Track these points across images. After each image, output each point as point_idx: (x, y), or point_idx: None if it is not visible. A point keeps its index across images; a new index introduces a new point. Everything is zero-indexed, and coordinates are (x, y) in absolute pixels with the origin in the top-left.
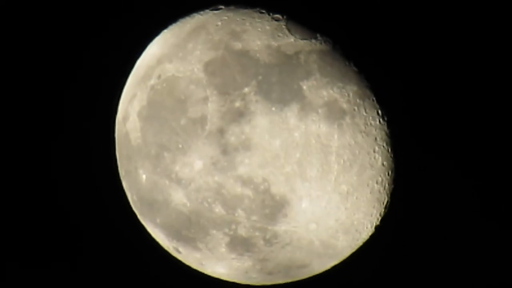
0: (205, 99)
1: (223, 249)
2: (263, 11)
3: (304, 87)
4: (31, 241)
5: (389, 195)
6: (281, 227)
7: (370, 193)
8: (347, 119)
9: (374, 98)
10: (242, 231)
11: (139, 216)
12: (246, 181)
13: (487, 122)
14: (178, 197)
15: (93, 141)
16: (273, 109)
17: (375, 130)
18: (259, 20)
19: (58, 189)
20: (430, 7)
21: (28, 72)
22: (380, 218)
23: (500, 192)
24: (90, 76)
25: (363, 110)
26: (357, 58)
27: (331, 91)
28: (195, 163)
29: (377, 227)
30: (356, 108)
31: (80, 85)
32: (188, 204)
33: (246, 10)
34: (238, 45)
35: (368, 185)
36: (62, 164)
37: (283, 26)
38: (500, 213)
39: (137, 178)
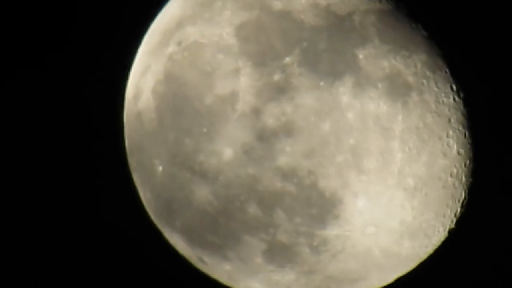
0: (237, 72)
1: (259, 259)
2: None
3: (360, 56)
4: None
5: (466, 190)
6: (332, 231)
7: (443, 188)
8: (414, 95)
9: (447, 70)
10: (282, 237)
11: (153, 218)
12: (287, 174)
13: None
14: (203, 194)
15: (97, 124)
16: (321, 83)
17: (449, 109)
18: None
19: (56, 184)
20: None
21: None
22: (455, 220)
23: None
24: (92, 43)
25: (434, 85)
26: (426, 19)
27: (393, 61)
28: (224, 152)
29: (451, 231)
30: (425, 82)
31: (81, 55)
32: (215, 203)
33: None
34: (277, 4)
35: (440, 178)
36: (61, 152)
37: None
38: None
39: (151, 171)
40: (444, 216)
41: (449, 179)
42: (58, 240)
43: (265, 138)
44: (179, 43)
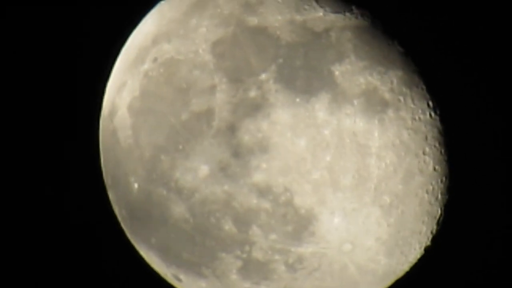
0: (213, 88)
1: (234, 276)
2: None
3: (336, 73)
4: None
5: (442, 208)
6: (308, 249)
7: (419, 205)
8: (390, 112)
9: (424, 86)
10: (258, 254)
11: (129, 235)
12: (263, 191)
13: None
14: (179, 211)
15: (72, 141)
16: (297, 100)
17: (425, 126)
18: None
19: (31, 200)
20: None
21: None
22: (431, 237)
23: None
24: (68, 59)
25: (410, 101)
26: (402, 35)
27: (369, 78)
28: (200, 169)
29: (427, 248)
30: (401, 98)
31: (56, 71)
32: (191, 220)
33: None
34: (253, 20)
35: (416, 195)
36: (36, 169)
37: None
38: None
39: (127, 188)
40: (420, 233)
41: (426, 196)
42: (31, 256)
43: (241, 154)
44: (155, 60)
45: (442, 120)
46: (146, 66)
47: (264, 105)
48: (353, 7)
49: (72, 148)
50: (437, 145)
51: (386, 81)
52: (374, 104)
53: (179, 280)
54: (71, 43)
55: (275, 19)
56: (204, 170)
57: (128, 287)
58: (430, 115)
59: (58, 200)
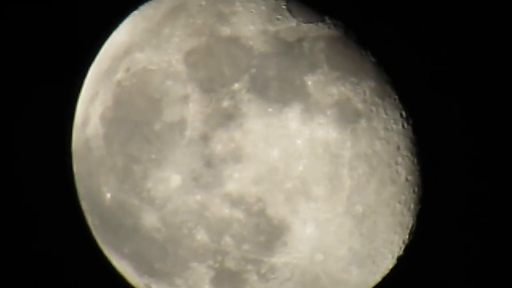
0: (185, 98)
1: (206, 286)
2: None
3: (309, 83)
4: None
5: (415, 217)
6: (280, 259)
7: (391, 215)
8: (363, 122)
9: (396, 97)
10: (230, 264)
11: (101, 245)
12: (235, 201)
13: None
14: (151, 221)
15: (44, 150)
16: (270, 110)
17: (398, 136)
18: None
19: (2, 211)
20: None
21: None
22: (403, 247)
23: None
24: (40, 69)
25: (383, 112)
26: (375, 46)
27: (342, 88)
28: (172, 179)
29: (399, 258)
30: (373, 108)
31: (28, 80)
32: (163, 230)
33: None
34: (226, 31)
35: (388, 205)
36: (7, 179)
37: (283, 7)
38: None
39: (99, 198)
40: (392, 243)
41: (398, 206)
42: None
43: (214, 164)
44: (128, 70)
45: (414, 130)
46: (118, 76)
47: (237, 115)
48: (326, 17)
49: (44, 157)
50: (409, 155)
51: (359, 91)
52: (346, 115)
53: None
54: (44, 51)
55: (248, 29)
56: (176, 180)
57: None
58: (403, 125)
59: (30, 210)
